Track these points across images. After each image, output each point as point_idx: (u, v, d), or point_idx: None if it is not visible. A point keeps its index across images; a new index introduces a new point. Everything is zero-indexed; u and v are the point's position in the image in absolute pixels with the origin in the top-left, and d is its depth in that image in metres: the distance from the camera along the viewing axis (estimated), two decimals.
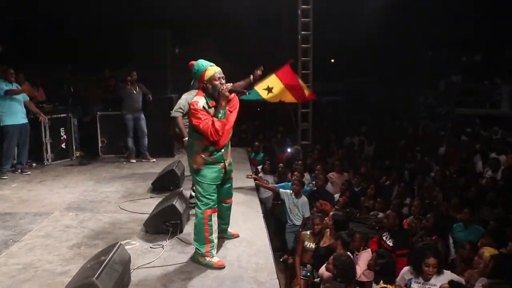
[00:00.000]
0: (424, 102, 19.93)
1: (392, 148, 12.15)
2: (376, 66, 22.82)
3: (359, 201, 7.75)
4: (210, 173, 4.33)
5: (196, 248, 4.36)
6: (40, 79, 10.85)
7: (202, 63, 4.37)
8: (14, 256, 4.56)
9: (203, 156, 4.27)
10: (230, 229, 5.04)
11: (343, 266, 4.66)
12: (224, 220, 4.81)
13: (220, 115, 4.14)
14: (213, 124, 4.10)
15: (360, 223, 6.83)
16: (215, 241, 4.39)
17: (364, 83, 25.04)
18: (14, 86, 8.01)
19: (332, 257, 4.90)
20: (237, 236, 5.05)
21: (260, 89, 7.96)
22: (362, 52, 22.04)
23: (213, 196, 4.33)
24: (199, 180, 4.31)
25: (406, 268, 4.80)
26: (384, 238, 5.86)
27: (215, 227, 4.36)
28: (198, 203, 4.31)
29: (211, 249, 4.33)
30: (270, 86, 8.02)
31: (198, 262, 4.35)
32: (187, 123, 5.17)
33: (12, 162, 8.17)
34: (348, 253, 5.24)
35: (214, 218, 4.35)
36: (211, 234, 4.31)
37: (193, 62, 7.87)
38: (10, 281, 4.00)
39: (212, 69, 4.28)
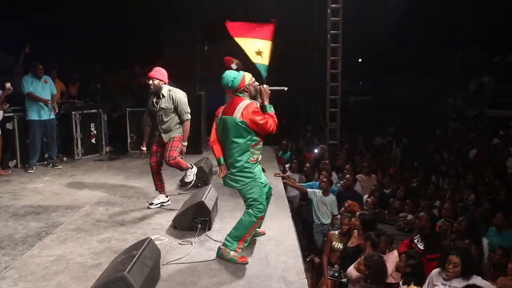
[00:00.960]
0: (453, 103, 19.54)
1: (421, 149, 11.96)
2: (405, 66, 22.49)
3: (388, 202, 7.66)
4: (259, 172, 4.54)
5: (227, 242, 4.38)
6: (79, 74, 11.07)
7: (233, 73, 4.49)
8: (47, 248, 4.65)
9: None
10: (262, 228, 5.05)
11: (375, 266, 4.61)
12: None
13: (268, 109, 4.35)
14: (271, 117, 4.33)
15: (388, 224, 6.75)
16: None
17: (392, 83, 24.72)
18: (42, 81, 8.13)
19: (363, 257, 4.86)
20: (264, 233, 5.05)
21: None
22: (391, 52, 21.76)
23: (265, 200, 4.51)
24: (255, 184, 4.41)
25: (435, 271, 4.72)
26: (415, 241, 5.76)
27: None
28: (255, 208, 4.40)
29: (241, 248, 4.37)
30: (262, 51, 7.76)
31: (221, 257, 4.38)
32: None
33: (40, 157, 8.33)
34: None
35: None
36: (250, 236, 4.44)
37: (229, 57, 7.91)
38: (44, 272, 4.08)
39: (248, 75, 4.48)
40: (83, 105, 9.49)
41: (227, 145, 4.39)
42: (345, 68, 12.09)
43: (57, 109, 8.50)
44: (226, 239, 4.42)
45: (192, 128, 9.36)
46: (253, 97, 4.44)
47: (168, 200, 6.20)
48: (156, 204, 6.05)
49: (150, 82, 5.93)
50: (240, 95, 4.40)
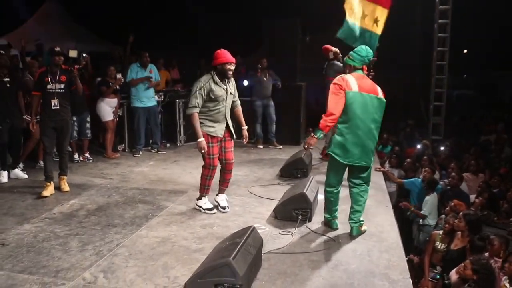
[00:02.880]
0: None
1: None
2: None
3: (498, 204, 7.15)
4: None
5: (362, 221, 4.77)
6: (176, 60, 11.49)
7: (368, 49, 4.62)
8: (154, 229, 4.87)
9: None
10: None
11: (485, 271, 4.31)
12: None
13: None
14: None
15: (498, 228, 6.29)
16: None
17: (499, 76, 23.06)
18: (148, 70, 8.49)
19: (468, 261, 4.56)
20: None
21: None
22: (497, 43, 20.32)
23: None
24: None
25: None
26: None
27: None
28: (367, 185, 4.78)
29: None
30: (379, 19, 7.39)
31: (359, 233, 4.76)
32: None
33: (145, 142, 8.75)
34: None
35: None
36: None
37: (327, 46, 7.78)
38: (151, 252, 4.27)
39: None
40: (186, 93, 9.80)
41: (367, 125, 4.48)
42: (449, 60, 11.48)
43: (163, 98, 8.90)
44: (359, 219, 4.75)
45: (291, 119, 9.46)
46: None
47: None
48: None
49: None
50: (362, 72, 4.51)
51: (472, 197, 7.44)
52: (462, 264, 4.70)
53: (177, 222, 5.10)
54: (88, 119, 7.99)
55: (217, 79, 5.17)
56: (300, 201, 5.00)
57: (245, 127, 5.64)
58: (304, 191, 5.02)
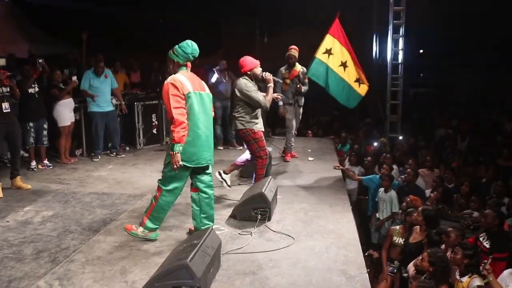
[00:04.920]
0: None
1: (487, 143, 11.42)
2: (469, 56, 21.55)
3: (452, 198, 7.37)
4: None
5: None
6: (138, 64, 11.35)
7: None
8: (112, 234, 4.80)
9: None
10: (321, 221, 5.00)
11: (441, 263, 4.44)
12: None
13: None
14: None
15: (452, 221, 6.49)
16: None
17: (456, 73, 23.75)
18: (102, 76, 8.36)
19: (426, 253, 4.70)
20: None
21: (329, 62, 7.75)
22: (453, 42, 20.92)
23: None
24: None
25: (507, 271, 4.50)
26: (480, 239, 5.53)
27: None
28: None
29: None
30: (328, 48, 7.78)
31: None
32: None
33: (103, 146, 8.61)
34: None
35: None
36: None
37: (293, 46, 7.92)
38: (109, 257, 4.22)
39: None
40: (145, 96, 9.72)
41: (207, 124, 4.49)
42: (405, 60, 11.76)
43: (120, 101, 8.79)
44: None
45: None
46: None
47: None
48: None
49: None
50: (186, 69, 4.49)
51: (428, 191, 7.65)
52: (420, 257, 4.84)
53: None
54: (46, 126, 7.74)
55: (252, 81, 5.85)
56: (259, 201, 5.03)
57: None
58: (263, 190, 5.05)
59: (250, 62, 5.88)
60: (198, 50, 4.44)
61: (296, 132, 8.32)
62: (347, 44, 7.96)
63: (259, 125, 5.90)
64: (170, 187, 4.46)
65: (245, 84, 5.78)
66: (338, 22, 7.93)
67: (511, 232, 5.70)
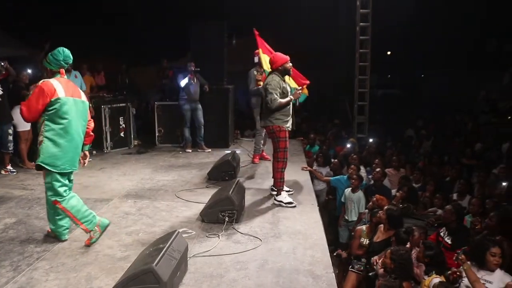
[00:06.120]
0: (485, 96, 19.07)
1: (451, 143, 11.72)
2: (435, 58, 22.07)
3: (417, 197, 7.52)
4: None
5: None
6: (103, 65, 11.20)
7: None
8: (77, 240, 4.71)
9: None
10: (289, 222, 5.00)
11: (402, 261, 4.54)
12: None
13: None
14: None
15: (417, 219, 6.63)
16: None
17: (422, 75, 24.29)
18: (72, 76, 8.20)
19: (389, 251, 4.79)
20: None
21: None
22: (420, 44, 21.40)
23: None
24: None
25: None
26: (441, 234, 5.68)
27: None
28: None
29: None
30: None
31: None
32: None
33: None
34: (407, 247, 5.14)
35: None
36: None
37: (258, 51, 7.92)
38: (74, 264, 4.14)
39: None
40: (112, 99, 9.60)
41: (78, 130, 4.52)
42: (373, 61, 11.95)
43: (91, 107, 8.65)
44: None
45: (220, 122, 9.50)
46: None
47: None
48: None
49: None
50: (59, 76, 4.50)
51: (394, 191, 7.79)
52: (383, 254, 4.94)
53: None
54: (11, 131, 7.53)
55: (282, 78, 5.86)
56: (226, 203, 5.03)
57: None
58: (230, 193, 5.06)
59: (280, 58, 5.90)
60: (71, 57, 4.48)
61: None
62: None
63: (288, 124, 5.90)
64: (58, 193, 4.49)
65: (272, 78, 5.84)
66: (259, 37, 7.89)
67: (472, 229, 5.85)
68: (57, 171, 4.38)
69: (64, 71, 4.52)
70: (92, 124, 4.87)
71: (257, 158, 8.24)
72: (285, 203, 5.78)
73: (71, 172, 4.58)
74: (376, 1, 11.50)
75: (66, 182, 4.56)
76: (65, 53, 4.43)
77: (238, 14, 14.01)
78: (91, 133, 4.87)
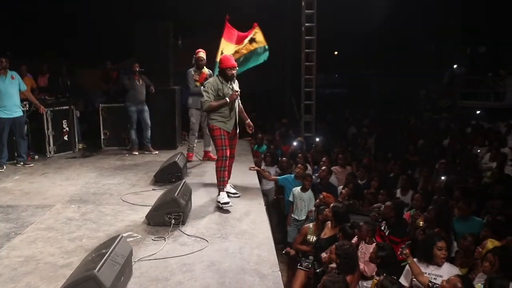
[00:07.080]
0: (426, 95, 19.86)
1: (394, 140, 12.10)
2: (380, 58, 22.73)
3: (363, 193, 7.71)
4: None
5: None
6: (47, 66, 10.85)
7: None
8: (16, 248, 4.55)
9: None
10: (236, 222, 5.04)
11: (346, 255, 4.65)
12: None
13: None
14: None
15: (363, 215, 6.79)
16: None
17: (368, 75, 24.94)
18: (8, 77, 7.87)
19: (334, 246, 4.89)
20: None
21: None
22: (366, 45, 21.95)
23: None
24: None
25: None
26: (382, 228, 5.87)
27: None
28: None
29: None
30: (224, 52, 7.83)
31: None
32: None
33: (9, 155, 8.12)
34: (352, 242, 5.27)
35: None
36: None
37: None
38: (12, 274, 3.99)
39: None
40: (54, 102, 9.28)
41: None
42: (320, 61, 12.15)
43: (35, 103, 8.37)
44: None
45: (166, 123, 9.39)
46: None
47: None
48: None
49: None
50: None
51: (340, 188, 7.95)
52: (330, 249, 5.05)
53: (43, 238, 4.81)
54: None
55: (223, 80, 5.84)
56: (172, 205, 4.98)
57: (248, 120, 6.22)
58: (176, 195, 5.02)
59: (225, 61, 5.88)
60: None
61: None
62: (242, 41, 7.93)
63: (223, 124, 5.84)
64: None
65: (210, 80, 6.02)
66: (228, 24, 7.93)
67: (413, 223, 6.06)
68: None
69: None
70: None
71: (190, 156, 8.33)
72: (222, 204, 5.69)
73: None
74: (321, 2, 11.69)
75: None
76: None
77: (185, 15, 13.93)
78: None
